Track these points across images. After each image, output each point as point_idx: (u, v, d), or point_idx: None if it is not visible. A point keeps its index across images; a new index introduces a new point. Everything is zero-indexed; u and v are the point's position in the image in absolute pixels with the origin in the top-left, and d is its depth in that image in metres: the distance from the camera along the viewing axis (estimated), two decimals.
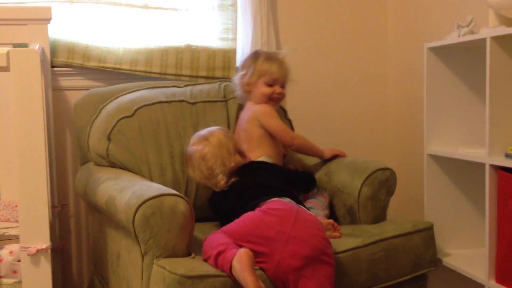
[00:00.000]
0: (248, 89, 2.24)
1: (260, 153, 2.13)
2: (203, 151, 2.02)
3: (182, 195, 1.67)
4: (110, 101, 2.22)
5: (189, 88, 2.34)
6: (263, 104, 2.21)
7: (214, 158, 2.00)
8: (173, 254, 1.63)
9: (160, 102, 2.20)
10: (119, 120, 2.11)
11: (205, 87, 2.37)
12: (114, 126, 2.10)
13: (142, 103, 2.17)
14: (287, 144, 2.20)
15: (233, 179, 1.98)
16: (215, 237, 1.68)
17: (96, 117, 2.19)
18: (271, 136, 2.16)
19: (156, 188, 1.71)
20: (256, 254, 1.61)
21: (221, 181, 1.99)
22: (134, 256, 1.70)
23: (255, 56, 2.27)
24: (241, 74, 2.27)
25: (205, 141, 2.04)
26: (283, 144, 2.22)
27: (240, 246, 1.62)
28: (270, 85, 2.22)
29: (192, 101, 2.27)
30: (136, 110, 2.14)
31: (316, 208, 2.04)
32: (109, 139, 2.09)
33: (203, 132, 2.09)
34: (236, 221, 1.73)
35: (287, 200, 1.79)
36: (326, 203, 2.10)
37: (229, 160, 2.01)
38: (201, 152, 2.02)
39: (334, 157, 2.26)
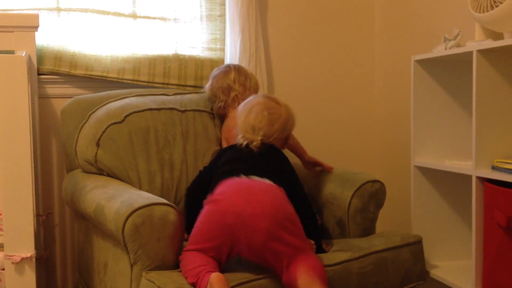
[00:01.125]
0: (243, 97, 2.22)
1: None
2: (271, 111, 1.96)
3: (173, 204, 1.66)
4: (99, 107, 2.20)
5: (178, 96, 2.34)
6: None
7: (272, 123, 1.95)
8: (162, 264, 1.62)
9: (150, 109, 2.19)
10: (109, 126, 2.09)
11: (194, 96, 2.36)
12: (104, 131, 2.08)
13: (132, 109, 2.15)
14: None
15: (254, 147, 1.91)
16: (188, 260, 1.62)
17: (84, 123, 2.17)
18: None
19: (146, 197, 1.70)
20: (227, 247, 1.61)
21: (255, 142, 1.91)
22: (123, 266, 1.68)
23: (241, 67, 2.33)
24: (240, 90, 2.26)
25: (278, 106, 1.99)
26: None
27: (210, 251, 1.61)
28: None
29: (182, 109, 2.26)
30: (126, 117, 2.12)
31: None
32: (98, 145, 2.07)
33: (280, 99, 2.04)
34: (195, 225, 1.70)
35: (243, 177, 1.75)
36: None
37: (276, 139, 1.95)
38: (268, 109, 1.96)
39: (314, 166, 2.22)
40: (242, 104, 2.04)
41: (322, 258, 1.73)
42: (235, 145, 1.96)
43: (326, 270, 1.69)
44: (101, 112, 2.16)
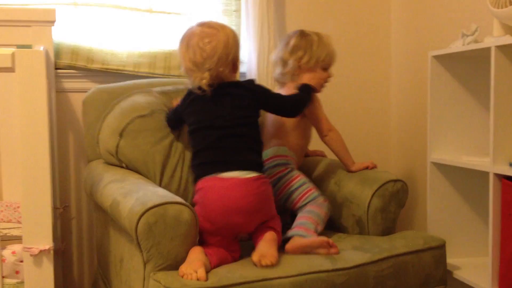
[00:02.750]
0: (299, 72, 2.16)
1: (282, 142, 2.10)
2: (207, 40, 1.88)
3: (187, 203, 1.64)
4: (124, 98, 2.18)
5: None
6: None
7: (212, 54, 1.87)
8: (175, 263, 1.61)
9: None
10: (135, 118, 2.07)
11: None
12: (128, 123, 2.06)
13: (159, 106, 2.14)
14: (323, 133, 2.12)
15: (209, 90, 1.87)
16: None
17: (108, 112, 2.15)
18: (305, 126, 2.13)
19: (160, 195, 1.67)
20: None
21: (204, 80, 1.86)
22: (137, 263, 1.67)
23: (308, 38, 2.18)
24: (297, 56, 2.15)
25: (215, 31, 1.90)
26: (319, 132, 2.13)
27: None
28: (325, 69, 2.20)
29: None
30: (153, 111, 2.10)
31: (306, 223, 1.91)
32: (121, 135, 2.05)
33: (215, 22, 1.95)
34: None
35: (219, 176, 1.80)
36: (323, 215, 1.97)
37: (223, 66, 1.88)
38: (204, 39, 1.88)
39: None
40: (180, 38, 1.97)
41: (339, 259, 1.72)
42: (196, 94, 1.92)
43: (342, 273, 1.68)
44: (126, 103, 2.14)
